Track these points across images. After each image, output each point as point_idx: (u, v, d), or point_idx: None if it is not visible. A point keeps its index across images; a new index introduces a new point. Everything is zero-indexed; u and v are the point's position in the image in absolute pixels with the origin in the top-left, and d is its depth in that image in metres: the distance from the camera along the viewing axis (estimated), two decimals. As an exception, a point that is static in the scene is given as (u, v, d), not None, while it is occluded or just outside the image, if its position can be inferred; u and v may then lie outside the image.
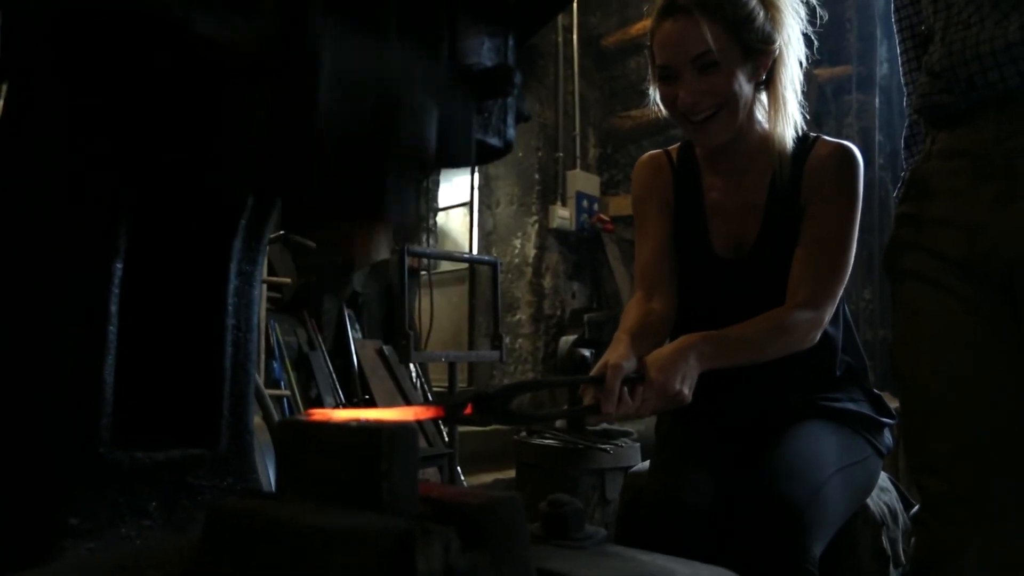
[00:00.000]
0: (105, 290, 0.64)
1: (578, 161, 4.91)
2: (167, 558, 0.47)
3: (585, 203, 4.78)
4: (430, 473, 2.87)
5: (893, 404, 1.25)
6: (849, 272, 1.18)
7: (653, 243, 1.29)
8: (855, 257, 1.20)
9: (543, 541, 0.56)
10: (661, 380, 1.00)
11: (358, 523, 0.38)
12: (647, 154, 1.37)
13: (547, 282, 4.79)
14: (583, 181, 4.83)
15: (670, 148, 1.35)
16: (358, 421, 0.47)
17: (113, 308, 0.65)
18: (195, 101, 0.63)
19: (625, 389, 0.99)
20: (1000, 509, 0.93)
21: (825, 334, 1.17)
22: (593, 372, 1.01)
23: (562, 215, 4.70)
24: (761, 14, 1.13)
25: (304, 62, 0.42)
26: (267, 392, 2.35)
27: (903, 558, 1.18)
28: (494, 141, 0.62)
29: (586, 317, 4.67)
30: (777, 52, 1.16)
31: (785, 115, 1.18)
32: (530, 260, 4.79)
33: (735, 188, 1.25)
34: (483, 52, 0.60)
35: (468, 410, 0.73)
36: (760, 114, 1.23)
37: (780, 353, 1.12)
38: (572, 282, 4.93)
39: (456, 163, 0.51)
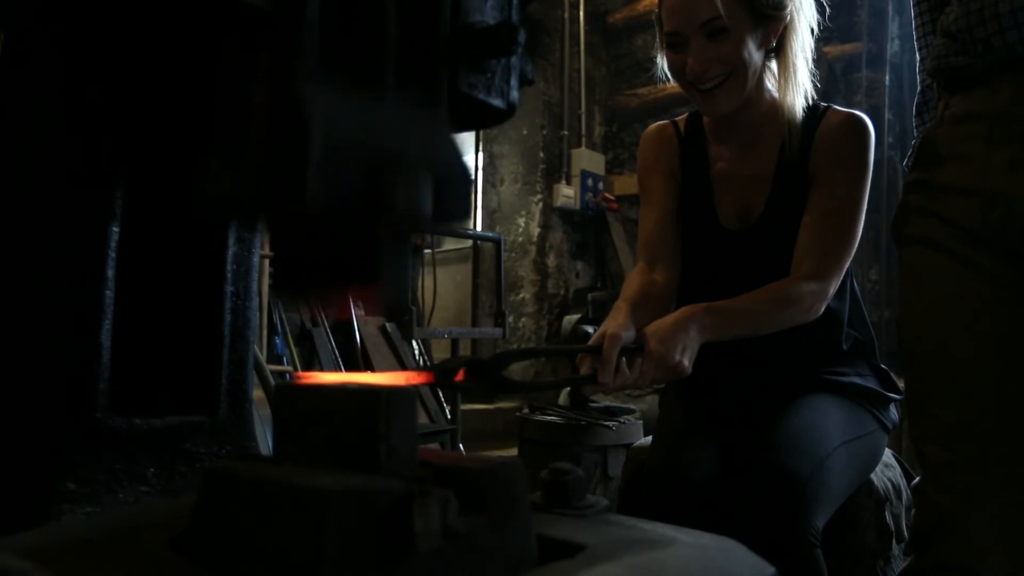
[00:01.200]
0: (101, 254, 0.63)
1: (583, 139, 4.87)
2: (164, 520, 0.47)
3: (590, 182, 4.75)
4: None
5: (900, 382, 1.24)
6: (856, 244, 1.16)
7: (657, 213, 1.27)
8: (862, 236, 1.19)
9: (544, 509, 0.55)
10: (660, 351, 0.98)
11: (355, 484, 0.37)
12: (654, 125, 1.35)
13: (551, 261, 4.78)
14: (588, 159, 4.79)
15: (677, 119, 1.33)
16: (352, 384, 0.46)
17: (110, 272, 0.64)
18: (190, 66, 0.62)
19: (623, 360, 0.97)
20: (1004, 479, 0.92)
21: (830, 308, 1.16)
22: (591, 342, 1.00)
23: (566, 194, 4.67)
24: None
25: (294, 125, 0.39)
26: (270, 367, 2.35)
27: (906, 533, 1.18)
28: (497, 102, 0.60)
29: (590, 296, 4.65)
30: (788, 18, 1.14)
31: (795, 84, 1.16)
32: (534, 239, 4.77)
33: (743, 158, 1.23)
34: (486, 10, 0.58)
35: (460, 376, 0.71)
36: (770, 83, 1.21)
37: (783, 325, 1.11)
38: (576, 261, 4.92)
39: (453, 220, 0.48)
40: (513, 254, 4.79)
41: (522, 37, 0.57)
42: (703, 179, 1.26)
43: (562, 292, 4.82)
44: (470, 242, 4.82)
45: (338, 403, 0.44)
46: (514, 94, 0.62)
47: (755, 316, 1.09)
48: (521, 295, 4.79)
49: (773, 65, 1.20)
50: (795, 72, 1.16)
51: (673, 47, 1.15)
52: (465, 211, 0.49)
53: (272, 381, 2.12)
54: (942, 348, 0.97)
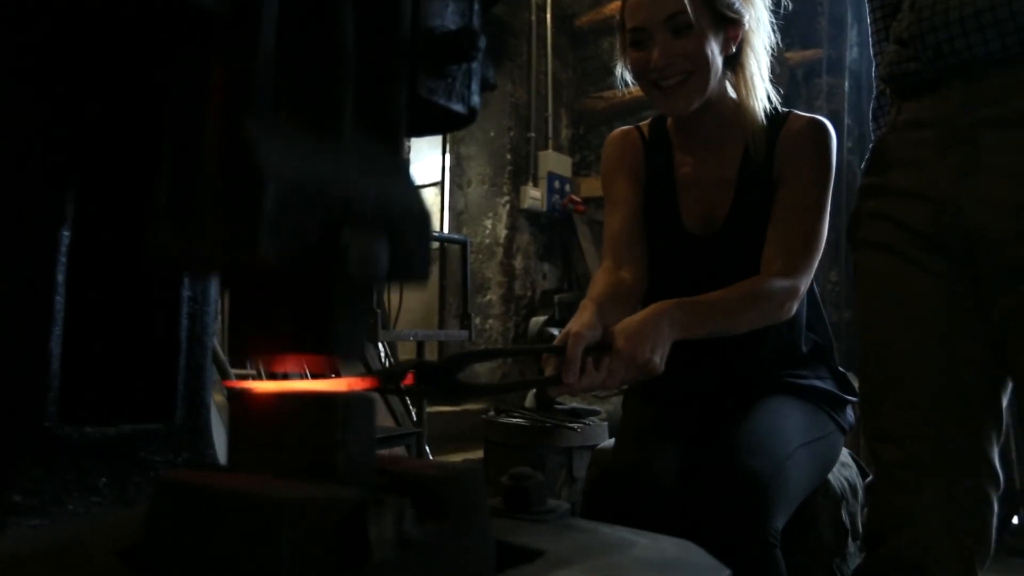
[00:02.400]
0: (50, 259, 0.62)
1: (550, 142, 4.89)
2: (114, 532, 0.45)
3: (557, 184, 4.77)
4: (397, 452, 2.86)
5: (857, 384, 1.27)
6: (823, 243, 1.17)
7: (623, 213, 1.26)
8: (822, 238, 1.20)
9: (505, 514, 0.55)
10: (629, 349, 0.94)
11: (309, 494, 0.37)
12: (618, 129, 1.36)
13: (518, 263, 4.78)
14: (555, 162, 4.81)
15: (641, 124, 1.34)
16: (308, 391, 0.46)
17: (60, 277, 0.62)
18: (144, 71, 0.60)
19: (590, 359, 0.94)
20: (953, 474, 0.95)
21: (790, 310, 1.18)
22: (555, 342, 0.96)
23: (533, 196, 4.68)
24: None
25: (246, 172, 0.37)
26: (232, 372, 2.31)
27: (861, 531, 1.20)
28: (458, 108, 0.60)
29: (556, 298, 4.67)
30: (746, 26, 1.16)
31: (755, 96, 1.18)
32: (501, 240, 4.77)
33: (706, 163, 1.25)
34: (447, 15, 0.58)
35: (408, 380, 0.69)
36: (732, 91, 1.23)
37: (756, 323, 1.10)
38: (543, 263, 4.93)
39: (411, 277, 0.46)
40: (480, 256, 4.78)
41: (483, 43, 0.57)
42: (667, 184, 1.27)
43: (529, 294, 4.82)
44: (436, 244, 4.80)
45: (295, 411, 0.44)
46: (475, 99, 0.62)
47: (728, 312, 1.07)
48: (488, 297, 4.79)
49: (733, 77, 1.22)
50: (754, 86, 1.18)
51: (636, 45, 1.16)
52: (424, 267, 0.46)
53: (232, 376, 2.09)
54: (895, 350, 1.00)
